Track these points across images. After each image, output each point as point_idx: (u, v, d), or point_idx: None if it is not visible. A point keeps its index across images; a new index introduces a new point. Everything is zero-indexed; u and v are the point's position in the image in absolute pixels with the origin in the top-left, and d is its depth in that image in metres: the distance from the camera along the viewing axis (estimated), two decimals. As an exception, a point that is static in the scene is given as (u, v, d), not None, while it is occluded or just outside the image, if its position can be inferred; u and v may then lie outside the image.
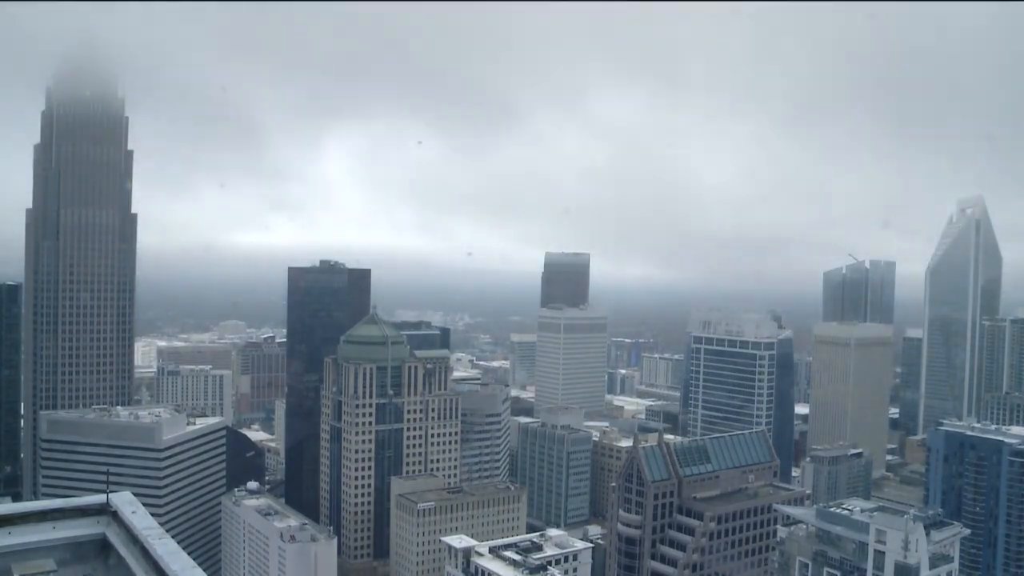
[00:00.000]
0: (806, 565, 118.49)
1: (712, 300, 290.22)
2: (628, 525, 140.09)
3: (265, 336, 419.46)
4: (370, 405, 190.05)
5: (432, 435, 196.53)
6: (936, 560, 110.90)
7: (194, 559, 13.29)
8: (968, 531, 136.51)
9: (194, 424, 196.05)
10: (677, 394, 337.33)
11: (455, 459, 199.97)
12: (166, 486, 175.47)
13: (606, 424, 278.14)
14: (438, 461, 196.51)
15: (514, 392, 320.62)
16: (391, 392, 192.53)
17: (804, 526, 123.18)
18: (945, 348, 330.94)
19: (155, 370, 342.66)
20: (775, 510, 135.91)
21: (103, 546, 14.58)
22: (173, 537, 14.17)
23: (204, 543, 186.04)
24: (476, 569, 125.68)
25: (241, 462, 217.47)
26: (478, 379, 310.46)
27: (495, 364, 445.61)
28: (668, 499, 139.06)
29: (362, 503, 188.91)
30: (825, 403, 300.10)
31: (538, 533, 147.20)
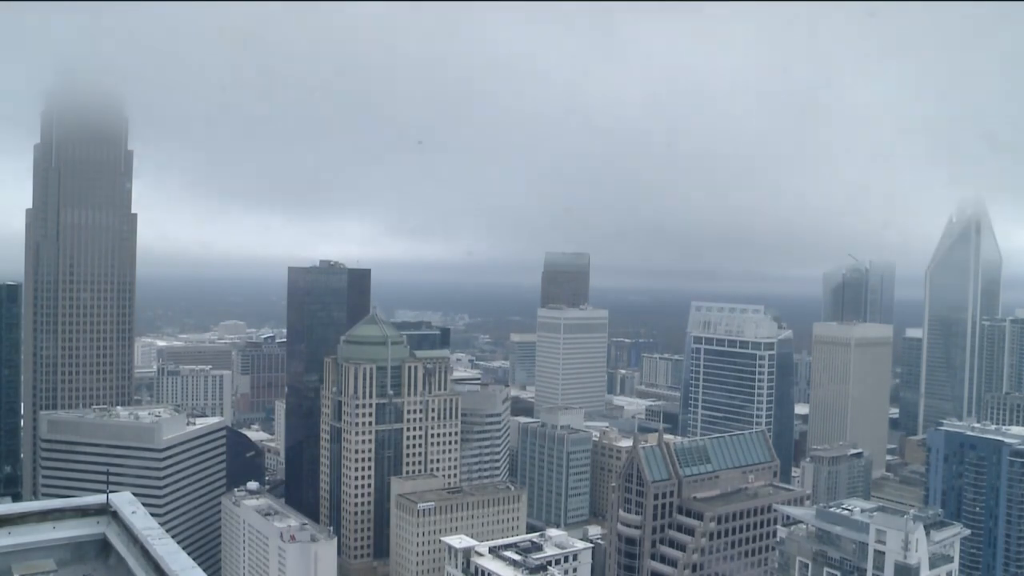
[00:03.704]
0: (806, 565, 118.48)
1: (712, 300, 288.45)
2: (628, 525, 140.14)
3: (265, 336, 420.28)
4: (370, 405, 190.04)
5: (432, 435, 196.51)
6: (936, 560, 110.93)
7: (194, 559, 13.30)
8: (968, 531, 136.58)
9: (194, 424, 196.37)
10: (677, 394, 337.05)
11: (455, 459, 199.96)
12: (166, 486, 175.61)
13: (606, 424, 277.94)
14: (438, 461, 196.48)
15: (514, 392, 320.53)
16: (391, 392, 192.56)
17: (804, 526, 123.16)
18: (945, 348, 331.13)
19: (155, 370, 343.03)
20: (775, 510, 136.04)
21: (103, 546, 14.59)
22: (173, 537, 14.19)
23: (204, 543, 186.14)
24: (476, 569, 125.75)
25: (241, 462, 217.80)
26: (478, 379, 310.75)
27: (495, 364, 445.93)
28: (668, 499, 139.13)
29: (362, 503, 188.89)
30: (825, 403, 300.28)
31: (538, 533, 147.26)
